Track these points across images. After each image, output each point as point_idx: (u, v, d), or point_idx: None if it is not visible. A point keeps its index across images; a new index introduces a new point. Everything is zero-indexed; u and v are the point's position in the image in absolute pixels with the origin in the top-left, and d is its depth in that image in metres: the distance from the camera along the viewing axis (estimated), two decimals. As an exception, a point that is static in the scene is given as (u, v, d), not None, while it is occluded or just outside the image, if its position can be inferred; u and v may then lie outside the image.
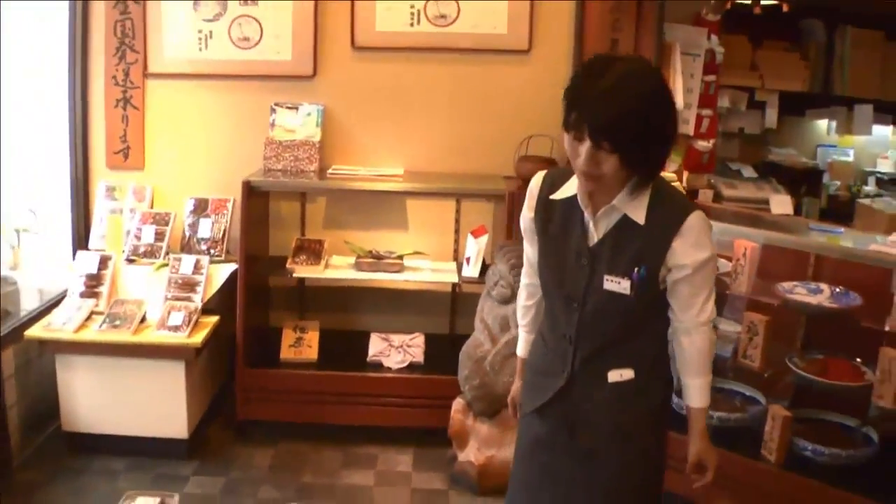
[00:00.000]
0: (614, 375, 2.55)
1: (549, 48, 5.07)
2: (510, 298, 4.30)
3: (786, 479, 3.79)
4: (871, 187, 5.75)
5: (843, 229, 4.29)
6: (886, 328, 3.76)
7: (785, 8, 5.22)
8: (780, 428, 3.89)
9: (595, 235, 2.48)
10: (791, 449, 3.90)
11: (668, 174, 4.66)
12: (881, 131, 5.71)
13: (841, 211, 5.47)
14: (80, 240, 5.16)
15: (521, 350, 2.95)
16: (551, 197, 2.57)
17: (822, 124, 5.90)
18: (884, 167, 5.88)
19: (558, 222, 2.56)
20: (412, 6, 4.99)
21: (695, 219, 2.41)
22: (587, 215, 2.48)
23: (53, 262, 5.16)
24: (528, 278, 2.83)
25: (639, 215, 2.41)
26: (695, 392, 2.63)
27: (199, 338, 4.45)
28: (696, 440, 2.66)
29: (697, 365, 2.61)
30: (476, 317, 4.51)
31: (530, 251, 2.76)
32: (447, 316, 5.35)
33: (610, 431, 2.59)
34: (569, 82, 2.36)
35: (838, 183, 5.69)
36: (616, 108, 2.22)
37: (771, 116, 5.39)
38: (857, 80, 5.35)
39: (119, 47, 5.06)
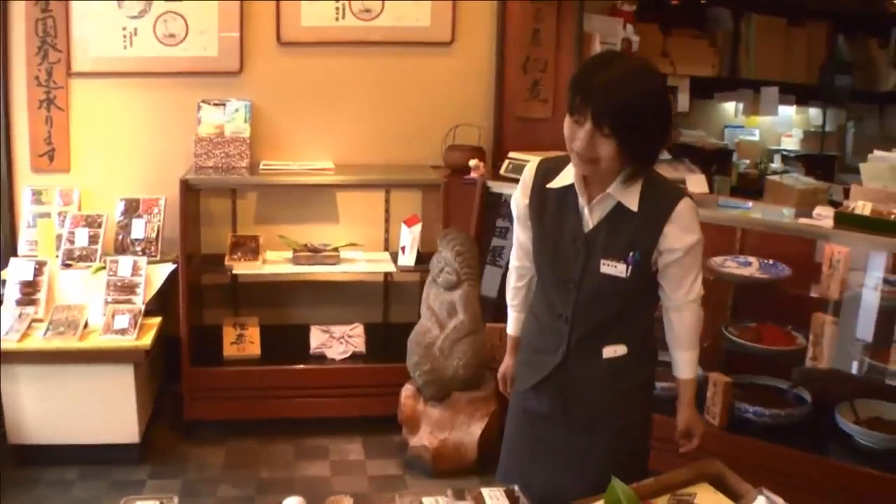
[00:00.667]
0: (608, 351, 2.80)
1: (471, 40, 5.34)
2: (456, 284, 4.56)
3: (730, 440, 4.12)
4: (776, 164, 6.26)
5: (751, 204, 4.63)
6: (816, 295, 4.19)
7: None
8: (722, 393, 4.24)
9: (590, 222, 2.70)
10: (732, 412, 4.28)
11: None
12: (785, 111, 6.24)
13: (751, 187, 5.91)
14: (7, 247, 5.20)
15: (513, 329, 3.16)
16: (547, 185, 2.78)
17: (730, 106, 6.38)
18: (788, 145, 6.40)
19: (553, 209, 2.78)
20: (337, 1, 5.18)
21: (684, 205, 2.66)
22: (582, 203, 2.71)
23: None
24: (518, 261, 3.04)
25: (632, 203, 2.65)
26: (684, 365, 2.92)
27: (147, 339, 4.56)
28: (684, 409, 2.96)
29: (687, 340, 2.89)
30: (422, 304, 4.73)
31: (522, 236, 2.97)
32: (381, 305, 5.59)
33: (603, 405, 2.85)
34: (575, 71, 2.64)
35: (747, 161, 6.16)
36: (620, 95, 2.45)
37: (682, 100, 5.80)
38: (763, 64, 5.83)
39: (41, 46, 5.10)
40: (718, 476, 2.60)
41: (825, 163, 6.54)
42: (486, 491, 2.58)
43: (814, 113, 7.00)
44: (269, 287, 5.47)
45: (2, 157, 5.22)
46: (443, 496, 2.58)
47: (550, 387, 2.90)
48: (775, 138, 6.78)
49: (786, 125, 6.81)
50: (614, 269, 2.69)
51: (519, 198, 2.91)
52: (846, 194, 5.22)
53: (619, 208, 2.67)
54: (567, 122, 2.57)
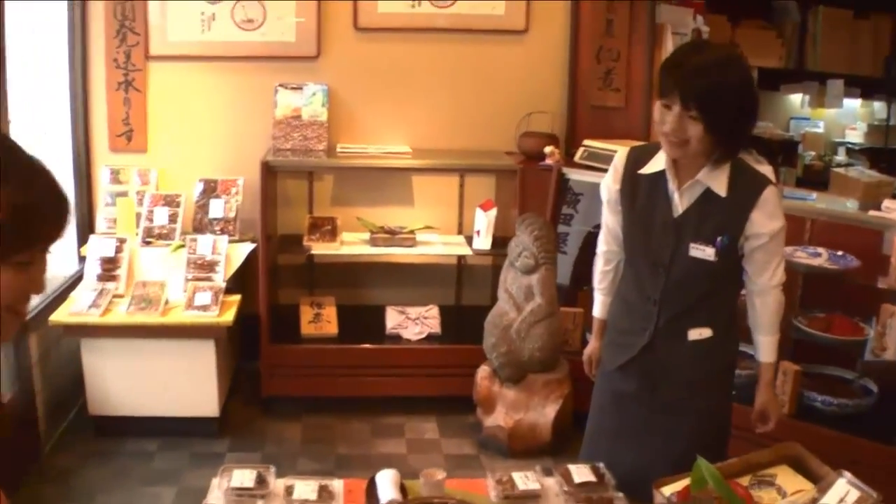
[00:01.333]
0: (694, 334, 2.92)
1: (545, 29, 5.47)
2: (534, 268, 4.68)
3: (798, 428, 4.15)
4: (841, 157, 6.40)
5: (815, 195, 4.74)
6: (884, 286, 4.31)
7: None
8: (791, 381, 4.35)
9: (680, 207, 2.82)
10: (800, 401, 4.39)
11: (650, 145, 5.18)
12: (850, 104, 6.37)
13: (816, 179, 6.01)
14: (84, 224, 5.38)
15: (599, 312, 3.27)
16: (639, 172, 2.91)
17: (796, 98, 6.52)
18: (853, 137, 6.53)
19: (644, 195, 2.90)
20: None
21: (770, 192, 2.78)
22: (672, 188, 2.83)
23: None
24: (607, 245, 3.16)
25: (721, 188, 2.76)
26: (765, 348, 3.03)
27: (228, 316, 4.72)
28: (763, 391, 3.06)
29: (769, 324, 3.00)
30: (500, 287, 4.85)
31: (611, 221, 3.09)
32: (454, 287, 5.74)
33: (688, 386, 2.97)
34: (668, 57, 2.76)
35: (812, 153, 6.30)
36: (707, 78, 2.59)
37: (749, 91, 5.97)
38: (829, 57, 5.97)
39: (119, 30, 5.26)
40: (798, 458, 2.70)
41: (889, 156, 6.66)
42: (572, 467, 2.73)
43: (878, 106, 7.12)
44: (344, 268, 5.61)
45: (80, 137, 5.37)
46: (531, 471, 2.72)
47: (637, 367, 3.02)
48: (840, 130, 6.91)
49: (850, 118, 6.95)
50: (703, 252, 2.81)
51: (610, 183, 3.03)
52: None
53: (708, 194, 2.79)
54: (657, 107, 2.70)
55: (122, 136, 5.39)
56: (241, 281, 5.10)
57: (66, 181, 5.17)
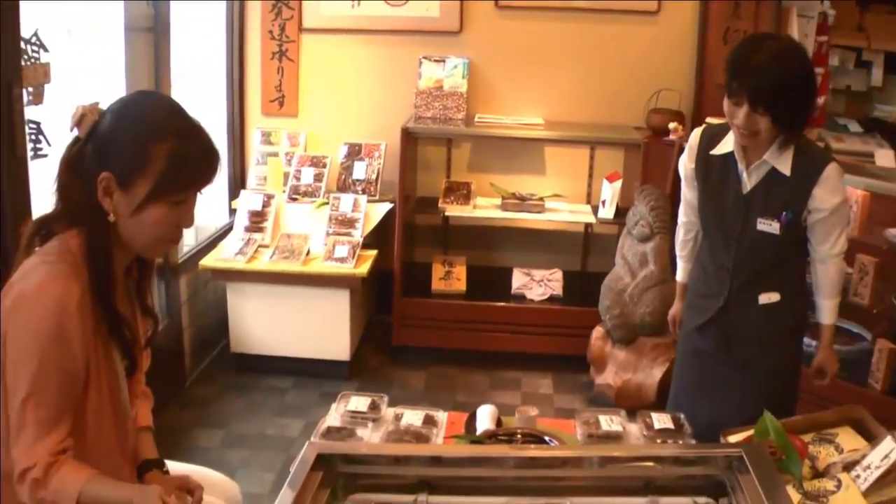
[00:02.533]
0: (764, 298, 3.27)
1: (676, 10, 5.79)
2: (649, 237, 5.03)
3: (891, 404, 4.45)
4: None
5: None
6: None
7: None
8: (886, 359, 4.59)
9: (748, 184, 3.16)
10: (894, 378, 4.64)
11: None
12: None
13: None
14: (236, 181, 5.94)
15: (681, 276, 3.66)
16: (711, 152, 3.25)
17: (925, 83, 6.67)
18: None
19: (717, 173, 3.25)
20: None
21: (831, 169, 3.09)
22: (741, 167, 3.16)
23: (205, 201, 6.00)
24: (686, 217, 3.54)
25: (785, 167, 3.09)
26: (826, 311, 3.35)
27: (364, 268, 5.20)
28: (823, 350, 3.41)
29: (830, 289, 3.31)
30: (617, 253, 5.22)
31: (689, 194, 3.46)
32: (579, 254, 6.11)
33: (760, 345, 3.32)
34: (728, 56, 3.05)
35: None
36: (770, 78, 2.90)
37: (876, 75, 6.08)
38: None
39: (275, 5, 5.80)
40: (860, 420, 2.96)
41: None
42: (654, 415, 3.04)
43: None
44: (476, 230, 6.04)
45: (235, 100, 5.93)
46: (616, 415, 3.04)
47: (714, 328, 3.38)
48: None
49: None
50: (769, 227, 3.15)
51: (686, 162, 3.41)
52: None
53: (774, 172, 3.11)
54: (726, 103, 3.04)
55: (275, 101, 5.93)
56: (379, 238, 5.57)
57: (220, 141, 5.81)
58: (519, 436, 2.96)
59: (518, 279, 5.76)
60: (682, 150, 5.32)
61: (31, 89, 3.49)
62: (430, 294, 5.68)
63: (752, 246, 3.23)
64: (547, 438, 2.92)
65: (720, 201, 3.28)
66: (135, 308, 2.46)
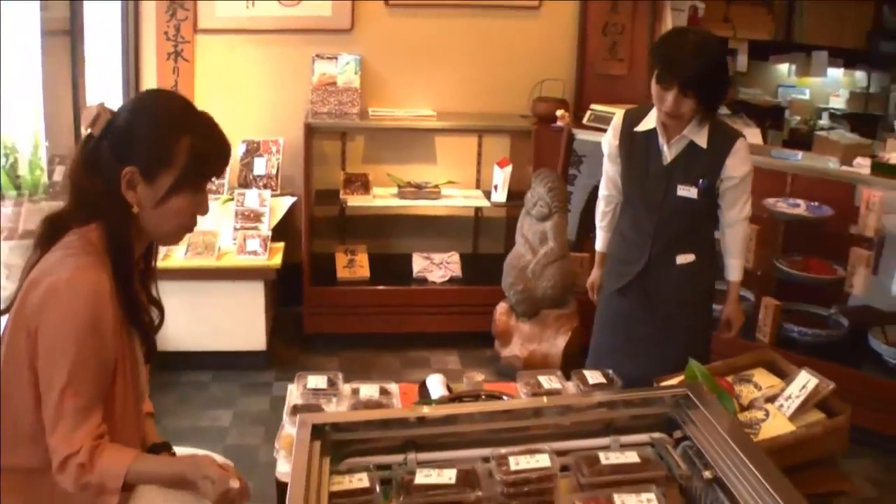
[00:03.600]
0: (681, 259, 3.78)
1: (557, 5, 6.19)
2: (547, 216, 5.40)
3: (779, 354, 5.10)
4: (824, 121, 7.21)
5: (800, 155, 5.43)
6: (855, 233, 5.04)
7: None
8: (772, 315, 5.17)
9: (668, 157, 3.66)
10: (780, 332, 5.22)
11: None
12: (833, 73, 7.19)
13: (801, 141, 6.71)
14: None
15: (601, 245, 4.12)
16: (635, 129, 3.74)
17: (783, 68, 7.31)
18: (835, 104, 7.35)
19: (640, 149, 3.74)
20: None
21: (741, 143, 3.65)
22: (662, 142, 3.65)
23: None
24: (607, 190, 4.01)
25: (702, 141, 3.61)
26: (734, 269, 3.89)
27: (277, 260, 5.43)
28: (730, 305, 3.94)
29: (736, 249, 3.85)
30: (517, 233, 5.57)
31: (611, 169, 3.93)
32: (471, 237, 6.50)
33: (678, 304, 3.81)
34: (655, 47, 3.61)
35: (798, 118, 7.10)
36: (697, 66, 3.40)
37: (741, 61, 6.64)
38: (814, 30, 6.78)
39: (170, 5, 5.92)
40: (771, 361, 3.42)
41: (869, 122, 7.44)
42: (586, 372, 3.35)
43: (860, 76, 7.90)
44: (374, 219, 6.34)
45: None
46: (553, 375, 3.33)
47: (635, 289, 3.86)
48: (824, 97, 7.73)
49: (834, 86, 7.75)
50: (688, 192, 3.65)
51: (610, 139, 3.89)
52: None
53: (692, 146, 3.63)
54: (655, 88, 3.51)
55: None
56: (281, 231, 5.75)
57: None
58: (483, 396, 3.28)
59: (418, 263, 6.08)
60: (570, 134, 5.83)
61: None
62: (336, 282, 5.92)
63: (672, 211, 3.70)
64: (505, 397, 3.23)
65: (643, 173, 3.75)
66: (143, 297, 2.60)
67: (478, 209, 6.42)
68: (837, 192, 5.29)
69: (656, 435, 2.60)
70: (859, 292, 5.11)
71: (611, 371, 3.39)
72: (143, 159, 2.35)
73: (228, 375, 5.52)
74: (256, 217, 5.66)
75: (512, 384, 3.44)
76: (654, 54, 3.56)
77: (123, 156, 2.35)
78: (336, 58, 6.06)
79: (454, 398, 3.34)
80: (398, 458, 2.49)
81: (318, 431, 2.45)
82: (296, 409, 3.16)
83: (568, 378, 3.39)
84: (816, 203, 5.32)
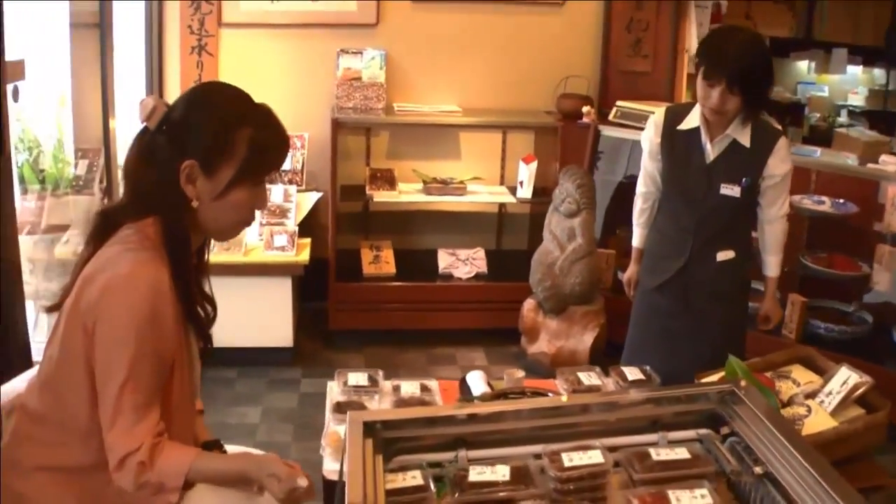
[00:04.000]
0: (721, 255, 3.84)
1: (580, 2, 6.24)
2: (576, 212, 5.43)
3: None
4: (843, 118, 7.28)
5: (819, 151, 5.52)
6: (880, 230, 5.16)
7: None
8: (798, 311, 5.22)
9: (711, 155, 3.71)
10: (806, 328, 5.28)
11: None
12: (852, 70, 7.28)
13: (820, 138, 6.77)
14: None
15: (639, 242, 4.15)
16: (678, 127, 3.78)
17: (803, 65, 7.39)
18: (854, 101, 7.43)
19: (682, 146, 3.79)
20: None
21: (783, 141, 3.70)
22: (705, 140, 3.70)
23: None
24: (646, 187, 4.03)
25: (745, 140, 3.66)
26: (771, 265, 3.96)
27: (304, 255, 5.45)
28: (767, 299, 4.01)
29: (775, 246, 3.91)
30: (545, 229, 5.59)
31: (650, 166, 3.96)
32: (494, 233, 6.53)
33: (714, 298, 3.87)
34: (703, 44, 3.69)
35: (817, 114, 7.17)
36: (746, 63, 3.46)
37: (763, 59, 6.82)
38: (834, 28, 6.86)
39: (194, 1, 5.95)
40: (809, 358, 3.47)
41: (888, 119, 7.53)
42: (625, 369, 3.38)
43: (878, 73, 7.99)
44: (399, 215, 6.36)
45: (156, 95, 6.13)
46: (592, 372, 3.38)
47: (673, 285, 3.91)
48: (842, 94, 7.82)
49: (853, 83, 7.85)
50: (731, 191, 3.70)
51: (652, 137, 3.92)
52: (906, 148, 6.23)
53: (735, 144, 3.68)
54: (701, 84, 3.57)
55: None
56: (306, 227, 5.76)
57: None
58: (528, 392, 3.29)
59: (444, 259, 6.10)
60: (596, 131, 5.86)
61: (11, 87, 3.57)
62: (362, 278, 5.94)
63: (713, 209, 3.75)
64: (549, 394, 3.24)
65: (684, 170, 3.79)
66: (198, 292, 2.60)
67: (501, 205, 6.45)
68: (861, 188, 5.35)
69: (703, 431, 2.62)
70: (885, 288, 5.20)
71: (648, 367, 3.42)
72: (203, 152, 2.33)
73: (254, 372, 5.53)
74: (282, 213, 5.68)
75: (550, 381, 3.49)
76: (702, 51, 3.64)
77: (182, 149, 2.33)
78: (361, 53, 6.06)
79: (499, 395, 3.34)
80: (448, 455, 2.49)
81: (368, 429, 2.44)
82: (339, 407, 3.20)
83: (606, 374, 3.42)
84: (842, 200, 5.38)
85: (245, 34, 6.10)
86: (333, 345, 5.90)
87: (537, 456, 2.46)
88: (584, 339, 5.51)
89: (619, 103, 5.88)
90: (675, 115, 3.85)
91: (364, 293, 5.89)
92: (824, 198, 5.37)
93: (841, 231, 5.41)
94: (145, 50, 5.98)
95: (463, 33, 6.25)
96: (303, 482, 2.31)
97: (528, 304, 5.68)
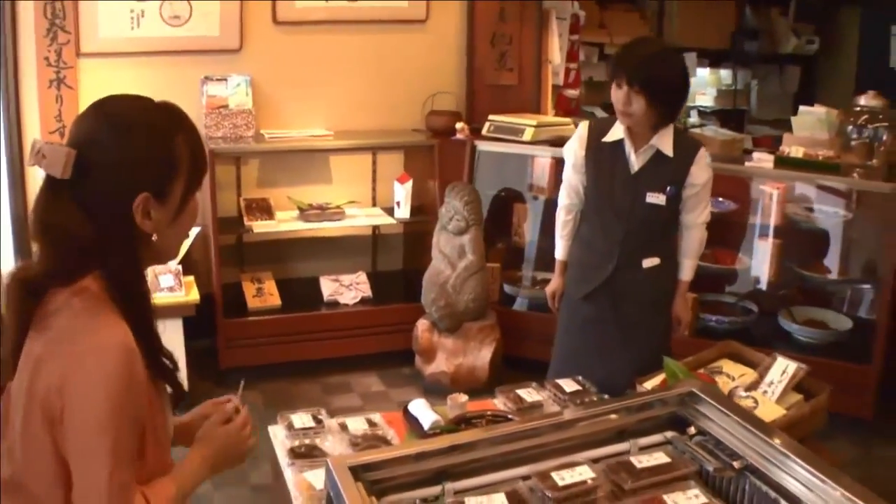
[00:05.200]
0: (647, 262, 4.05)
1: (443, 17, 6.37)
2: (464, 229, 5.57)
3: (699, 344, 5.08)
4: (693, 119, 7.71)
5: None
6: (759, 223, 5.60)
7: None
8: (692, 307, 5.48)
9: (636, 165, 3.93)
10: (698, 322, 5.63)
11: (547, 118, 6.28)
12: (700, 72, 7.72)
13: None
14: (20, 222, 5.76)
15: (562, 254, 4.32)
16: (603, 140, 3.99)
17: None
18: (702, 101, 7.87)
19: (607, 158, 3.99)
20: None
21: (703, 151, 3.97)
22: (629, 151, 3.92)
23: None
24: (569, 199, 4.21)
25: (668, 149, 3.88)
26: (686, 269, 4.19)
27: (194, 294, 5.37)
28: (679, 301, 4.21)
29: (692, 251, 4.14)
30: (433, 249, 5.70)
31: (574, 179, 4.15)
32: (369, 255, 6.58)
33: (643, 305, 4.08)
34: (617, 51, 3.94)
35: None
36: (647, 63, 3.73)
37: (614, 65, 7.17)
38: (683, 33, 7.26)
39: (50, 28, 5.69)
40: (736, 353, 3.68)
41: (736, 116, 8.07)
42: (560, 381, 3.47)
43: (724, 74, 8.51)
44: (273, 244, 6.29)
45: (13, 134, 5.78)
46: (530, 387, 3.45)
47: (602, 294, 4.10)
48: (691, 96, 8.29)
49: (700, 84, 8.31)
50: (656, 199, 3.92)
51: (576, 149, 4.11)
52: (755, 143, 6.66)
53: (658, 154, 3.90)
54: (612, 89, 3.81)
55: (56, 132, 5.83)
56: (184, 264, 5.62)
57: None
58: (489, 414, 3.35)
59: (328, 286, 6.12)
60: (473, 147, 6.01)
61: None
62: (248, 313, 5.89)
63: (641, 218, 3.96)
64: (509, 416, 3.31)
65: (610, 182, 4.00)
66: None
67: (375, 227, 6.51)
68: (733, 186, 5.77)
69: (669, 434, 2.74)
70: (771, 278, 5.63)
71: (581, 378, 3.52)
72: (153, 179, 2.09)
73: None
74: (160, 251, 5.56)
75: (487, 400, 3.54)
76: (612, 58, 4.05)
77: (129, 187, 2.07)
78: (226, 79, 6.02)
79: (459, 422, 3.38)
80: (436, 489, 2.49)
81: (354, 473, 2.41)
82: (295, 453, 3.13)
83: (543, 387, 3.51)
84: (720, 198, 5.73)
85: (105, 64, 5.93)
86: (225, 383, 5.77)
87: (524, 478, 2.51)
88: (482, 355, 5.64)
89: (491, 117, 6.04)
90: (600, 128, 4.07)
91: (252, 328, 5.84)
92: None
93: (722, 227, 5.68)
94: (1, 86, 5.75)
95: (328, 55, 6.28)
96: (230, 406, 2.42)
97: (422, 325, 5.77)
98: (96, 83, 5.93)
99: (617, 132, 3.97)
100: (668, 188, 3.92)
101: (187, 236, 2.32)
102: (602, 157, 4.03)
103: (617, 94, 3.79)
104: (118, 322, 2.04)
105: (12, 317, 2.11)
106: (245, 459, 2.40)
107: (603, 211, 4.09)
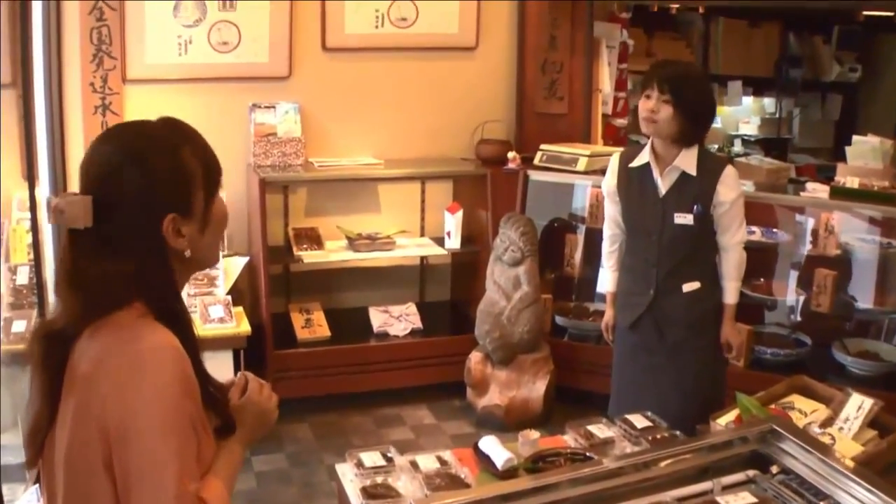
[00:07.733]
0: (687, 287, 4.11)
1: (493, 45, 6.38)
2: (520, 260, 5.56)
3: (753, 376, 5.26)
4: (737, 147, 7.77)
5: None
6: (815, 254, 5.59)
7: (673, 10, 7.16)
8: (745, 339, 5.44)
9: (663, 188, 4.03)
10: (753, 354, 5.61)
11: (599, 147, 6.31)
12: (745, 101, 7.81)
13: None
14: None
15: (611, 285, 4.41)
16: (630, 165, 4.11)
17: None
18: (746, 130, 7.94)
19: (636, 183, 4.13)
20: (377, 10, 6.09)
21: (730, 169, 4.07)
22: (656, 174, 4.03)
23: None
24: (611, 230, 4.34)
25: (692, 169, 3.98)
26: (729, 291, 4.20)
27: (245, 326, 5.32)
28: (727, 325, 4.21)
29: (732, 272, 4.17)
30: (487, 280, 5.67)
31: (612, 210, 4.29)
32: (417, 286, 6.55)
33: (688, 326, 4.12)
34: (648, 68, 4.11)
35: (715, 145, 7.60)
36: (676, 73, 3.93)
37: (666, 95, 7.24)
38: (728, 61, 7.35)
39: (96, 54, 5.69)
40: (805, 387, 3.71)
41: (780, 145, 8.13)
42: (630, 417, 3.46)
43: (768, 102, 8.55)
44: (321, 274, 6.28)
45: (58, 160, 5.83)
46: (599, 423, 3.44)
47: (646, 321, 4.16)
48: (734, 124, 8.36)
49: (744, 112, 8.38)
50: (684, 219, 4.02)
51: (609, 180, 4.25)
52: (797, 172, 6.70)
53: (684, 175, 4.00)
54: (641, 102, 3.96)
55: None
56: (232, 295, 5.63)
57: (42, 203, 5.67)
58: (568, 452, 3.31)
59: (377, 317, 6.08)
60: (526, 176, 6.04)
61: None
62: (297, 344, 5.85)
63: (671, 238, 4.04)
64: (587, 454, 3.25)
65: (640, 206, 4.12)
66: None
67: (423, 257, 6.48)
68: (783, 216, 5.83)
69: (751, 472, 2.75)
70: (826, 310, 5.58)
71: (650, 413, 3.52)
72: (175, 200, 2.10)
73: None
74: (210, 281, 5.54)
75: (558, 437, 3.54)
76: (644, 75, 4.12)
77: (154, 215, 2.08)
78: (274, 107, 6.01)
79: (536, 459, 3.33)
80: None
81: None
82: (369, 493, 3.10)
83: (613, 423, 3.51)
84: (773, 229, 5.77)
85: (151, 90, 5.91)
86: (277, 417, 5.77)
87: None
88: (537, 387, 5.63)
89: (543, 146, 6.04)
90: (627, 155, 4.23)
91: (302, 360, 5.80)
92: (753, 227, 5.65)
93: (774, 258, 5.83)
94: (45, 112, 5.71)
95: (377, 82, 6.28)
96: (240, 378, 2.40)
97: (475, 357, 5.74)
98: (142, 110, 5.85)
99: (643, 157, 4.10)
100: (695, 207, 4.01)
101: (223, 237, 2.30)
102: (631, 183, 4.17)
103: (645, 104, 3.93)
104: (164, 329, 2.03)
105: (41, 376, 2.07)
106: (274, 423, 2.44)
107: (637, 236, 4.21)
